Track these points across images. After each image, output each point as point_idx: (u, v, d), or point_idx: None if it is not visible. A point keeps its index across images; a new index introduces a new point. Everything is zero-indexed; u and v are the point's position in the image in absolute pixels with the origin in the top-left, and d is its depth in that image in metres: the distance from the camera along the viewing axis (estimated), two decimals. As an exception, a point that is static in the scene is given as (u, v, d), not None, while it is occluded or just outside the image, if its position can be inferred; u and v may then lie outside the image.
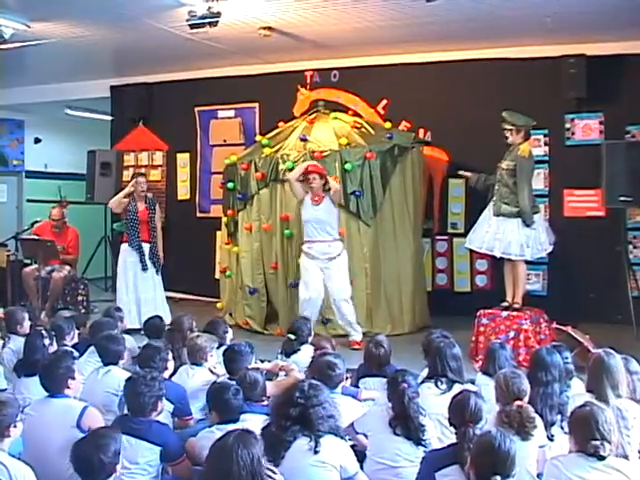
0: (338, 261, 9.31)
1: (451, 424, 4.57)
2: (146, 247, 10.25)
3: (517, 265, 8.70)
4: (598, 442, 4.00)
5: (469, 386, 5.74)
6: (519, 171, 8.56)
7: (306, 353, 7.11)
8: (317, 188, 9.28)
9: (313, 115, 10.86)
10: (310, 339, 7.55)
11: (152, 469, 4.85)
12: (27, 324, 7.83)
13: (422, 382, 5.82)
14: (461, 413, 4.43)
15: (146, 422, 4.92)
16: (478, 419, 4.42)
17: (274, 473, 3.70)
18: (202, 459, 4.27)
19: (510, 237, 8.53)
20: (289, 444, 4.35)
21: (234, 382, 5.26)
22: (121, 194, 10.34)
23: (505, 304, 8.74)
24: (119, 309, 8.68)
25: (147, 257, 10.23)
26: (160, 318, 8.34)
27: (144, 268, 10.18)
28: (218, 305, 11.19)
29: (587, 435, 4.04)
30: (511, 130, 8.66)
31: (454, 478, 4.10)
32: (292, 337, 7.38)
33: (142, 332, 8.46)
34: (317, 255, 9.29)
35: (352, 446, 4.91)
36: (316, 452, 4.32)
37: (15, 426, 4.44)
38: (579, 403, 4.51)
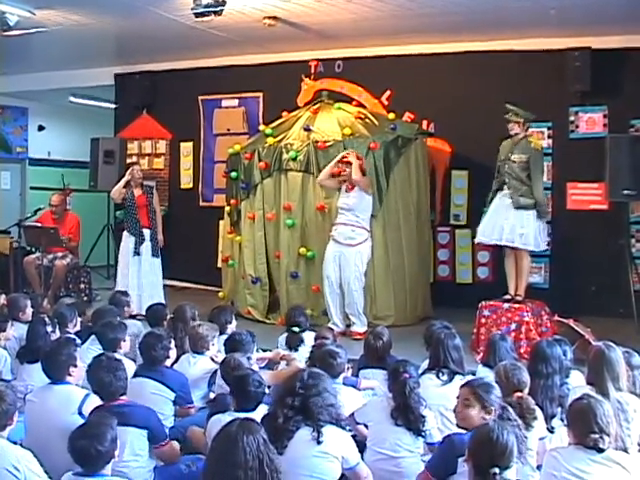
0: (358, 249, 9.29)
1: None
2: (147, 232, 10.39)
3: (523, 258, 8.69)
4: (597, 435, 4.00)
5: (470, 377, 5.76)
6: (534, 164, 8.59)
7: (308, 341, 7.19)
8: (349, 176, 9.30)
9: (317, 105, 10.84)
10: (308, 324, 7.64)
11: (143, 452, 4.91)
12: (29, 311, 7.85)
13: (423, 373, 5.85)
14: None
15: (127, 406, 4.94)
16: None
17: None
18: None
19: (528, 229, 8.55)
20: (292, 434, 4.36)
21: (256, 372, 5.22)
22: (120, 184, 10.48)
23: (507, 297, 8.73)
24: (126, 293, 8.70)
25: (148, 241, 10.36)
26: (163, 305, 8.39)
27: (137, 253, 10.30)
28: (220, 294, 11.20)
29: (586, 428, 4.04)
30: (518, 122, 8.66)
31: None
32: (296, 330, 7.38)
33: (138, 318, 8.53)
34: (340, 239, 9.30)
35: (352, 436, 4.93)
36: (319, 442, 4.33)
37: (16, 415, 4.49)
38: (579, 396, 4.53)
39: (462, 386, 4.66)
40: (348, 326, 9.45)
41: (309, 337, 7.28)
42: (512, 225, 8.61)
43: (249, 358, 5.94)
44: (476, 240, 9.23)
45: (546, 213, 8.61)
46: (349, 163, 9.29)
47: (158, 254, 10.49)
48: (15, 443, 4.49)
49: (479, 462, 3.70)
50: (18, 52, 12.16)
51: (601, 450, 4.00)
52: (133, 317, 8.75)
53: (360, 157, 9.42)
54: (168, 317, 7.75)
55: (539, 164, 8.73)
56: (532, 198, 8.55)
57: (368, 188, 9.39)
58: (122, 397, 5.01)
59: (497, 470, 3.60)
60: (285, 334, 7.54)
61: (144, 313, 8.43)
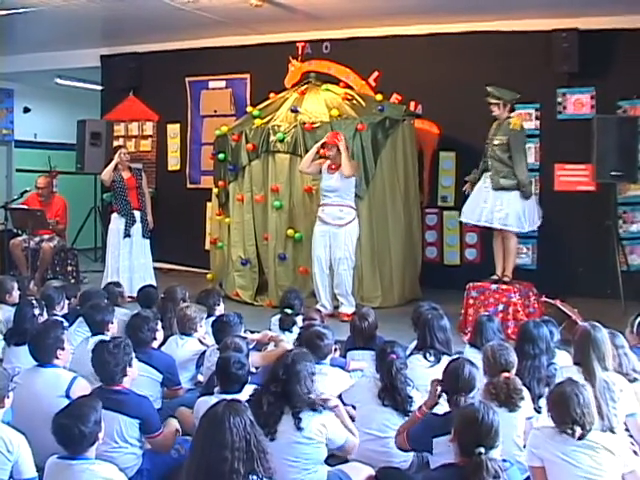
0: (347, 229, 9.29)
1: (444, 391, 4.59)
2: (137, 214, 10.39)
3: (509, 238, 8.72)
4: (568, 426, 4.02)
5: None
6: (514, 145, 8.57)
7: (300, 323, 7.19)
8: (333, 157, 9.29)
9: (304, 86, 10.81)
10: (302, 310, 7.62)
11: (135, 440, 4.89)
12: (16, 294, 7.83)
13: (411, 354, 5.87)
14: (455, 381, 4.47)
15: (122, 392, 4.93)
16: (471, 388, 4.45)
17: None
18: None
19: (508, 209, 8.56)
20: (277, 419, 4.38)
21: (239, 354, 5.21)
22: (110, 166, 10.41)
23: (495, 277, 8.76)
24: (118, 284, 8.64)
25: (139, 222, 10.36)
26: (154, 287, 8.38)
27: (127, 235, 10.28)
28: (208, 276, 11.20)
29: (561, 416, 4.08)
30: (497, 104, 8.67)
31: (446, 446, 4.18)
32: (289, 312, 7.37)
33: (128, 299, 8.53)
34: (328, 219, 9.28)
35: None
36: (299, 429, 4.35)
37: (7, 397, 4.48)
38: (566, 375, 4.56)
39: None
40: (336, 307, 9.46)
41: (300, 320, 7.29)
42: (491, 206, 8.66)
43: (248, 343, 5.93)
44: (461, 219, 9.33)
45: (530, 193, 8.60)
46: (334, 145, 9.28)
47: (148, 235, 10.50)
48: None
49: (465, 442, 3.74)
50: (3, 33, 12.06)
51: (580, 438, 4.02)
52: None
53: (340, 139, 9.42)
54: (159, 298, 7.75)
55: (519, 144, 8.67)
56: (514, 179, 8.55)
57: (356, 172, 9.40)
58: (121, 383, 5.00)
59: (482, 450, 3.63)
60: (278, 315, 7.54)
61: (135, 295, 8.42)
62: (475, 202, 8.87)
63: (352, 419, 5.16)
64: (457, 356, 5.11)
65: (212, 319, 6.78)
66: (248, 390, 4.80)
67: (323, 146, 9.37)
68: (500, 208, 8.59)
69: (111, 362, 4.93)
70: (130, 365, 5.09)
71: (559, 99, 10.87)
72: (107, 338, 6.09)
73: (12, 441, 4.23)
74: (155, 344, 6.13)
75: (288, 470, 4.32)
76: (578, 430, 4.02)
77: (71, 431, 3.95)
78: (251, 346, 6.62)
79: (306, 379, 4.51)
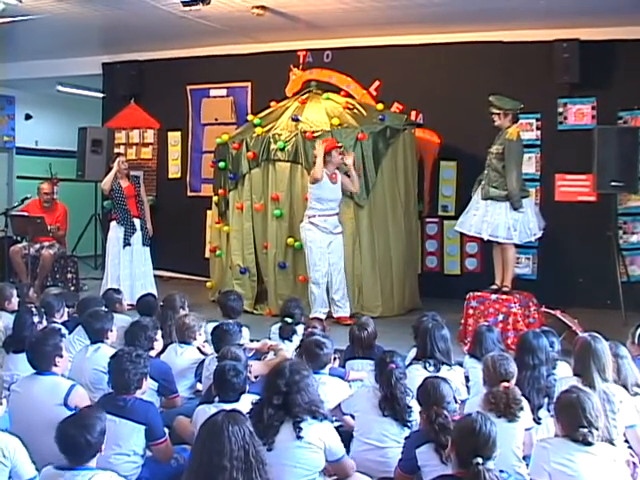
0: (341, 237, 9.49)
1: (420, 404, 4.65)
2: (137, 222, 10.37)
3: (506, 248, 8.70)
4: (586, 429, 4.02)
5: (457, 368, 5.81)
6: (507, 154, 8.52)
7: (301, 332, 7.17)
8: (336, 164, 9.35)
9: (305, 95, 10.82)
10: (303, 319, 7.63)
11: (138, 448, 4.86)
12: (15, 300, 7.83)
13: (410, 363, 5.86)
14: (427, 396, 4.60)
15: (130, 400, 4.92)
16: (445, 402, 4.51)
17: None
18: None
19: (498, 220, 8.53)
20: (277, 429, 4.37)
21: (237, 362, 5.21)
22: (110, 175, 10.39)
23: (494, 287, 8.75)
24: (118, 291, 8.62)
25: (139, 230, 10.35)
26: (153, 296, 8.36)
27: (127, 243, 10.26)
28: (208, 284, 11.18)
29: (574, 422, 4.06)
30: (498, 114, 8.65)
31: (427, 454, 4.32)
32: (289, 320, 7.36)
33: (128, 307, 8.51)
34: (331, 228, 9.36)
35: (338, 427, 4.93)
36: (299, 437, 4.34)
37: (0, 403, 4.46)
38: (566, 387, 4.54)
39: None
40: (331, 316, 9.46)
41: (301, 330, 7.28)
42: (481, 216, 8.65)
43: (245, 350, 5.92)
44: (455, 228, 9.32)
45: (519, 205, 8.48)
46: (336, 148, 9.35)
47: (148, 243, 10.49)
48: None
49: (462, 452, 3.74)
50: (5, 40, 12.06)
51: (590, 444, 4.01)
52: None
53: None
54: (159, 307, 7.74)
55: (513, 154, 8.56)
56: (506, 190, 8.53)
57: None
58: (134, 394, 5.00)
59: (480, 460, 3.62)
60: (278, 324, 7.53)
61: (135, 303, 8.40)
62: (469, 212, 8.90)
63: (351, 428, 5.16)
64: (433, 374, 5.26)
65: (211, 327, 6.74)
66: (247, 399, 4.78)
67: (330, 149, 9.34)
68: (489, 219, 8.59)
69: (130, 370, 4.96)
70: (146, 378, 5.11)
71: (560, 109, 10.88)
72: (107, 346, 6.14)
73: (7, 446, 4.21)
74: (153, 353, 6.11)
75: (289, 476, 4.31)
76: (595, 433, 4.03)
77: (78, 440, 3.94)
78: (250, 354, 6.64)
79: (307, 388, 4.51)
